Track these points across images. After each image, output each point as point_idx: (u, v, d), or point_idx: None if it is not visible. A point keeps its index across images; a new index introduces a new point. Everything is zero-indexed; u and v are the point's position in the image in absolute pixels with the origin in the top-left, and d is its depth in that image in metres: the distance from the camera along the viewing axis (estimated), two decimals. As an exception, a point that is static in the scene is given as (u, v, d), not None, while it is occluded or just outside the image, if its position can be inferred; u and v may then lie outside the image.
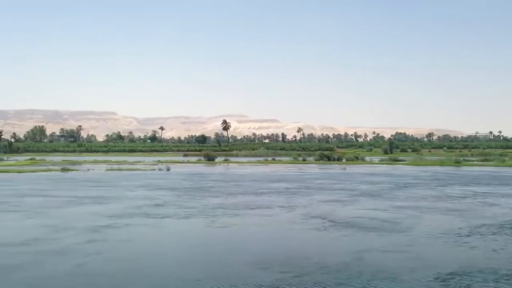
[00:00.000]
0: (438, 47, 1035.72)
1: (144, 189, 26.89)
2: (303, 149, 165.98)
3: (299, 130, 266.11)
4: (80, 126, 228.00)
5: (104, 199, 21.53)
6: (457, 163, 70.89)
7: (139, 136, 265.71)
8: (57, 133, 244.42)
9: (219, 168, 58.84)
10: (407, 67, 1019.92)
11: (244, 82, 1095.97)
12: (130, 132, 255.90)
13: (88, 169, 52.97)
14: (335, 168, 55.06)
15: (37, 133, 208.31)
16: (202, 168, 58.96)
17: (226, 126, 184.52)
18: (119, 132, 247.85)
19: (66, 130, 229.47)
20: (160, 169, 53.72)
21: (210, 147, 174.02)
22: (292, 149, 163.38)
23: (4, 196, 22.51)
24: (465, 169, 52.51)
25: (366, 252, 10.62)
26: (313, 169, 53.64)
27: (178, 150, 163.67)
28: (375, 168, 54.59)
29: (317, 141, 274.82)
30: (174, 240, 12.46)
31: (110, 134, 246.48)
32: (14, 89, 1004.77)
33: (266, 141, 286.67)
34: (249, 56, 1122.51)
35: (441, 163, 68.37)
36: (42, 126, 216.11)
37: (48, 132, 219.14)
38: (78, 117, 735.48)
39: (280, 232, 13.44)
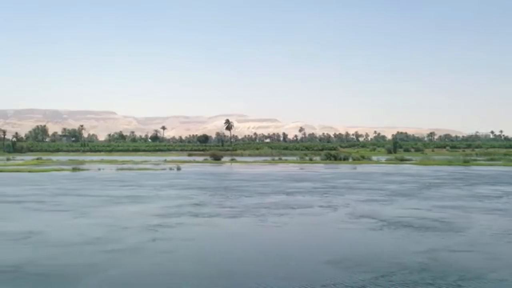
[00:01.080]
0: (438, 47, 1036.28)
1: (172, 188, 26.92)
2: (307, 148, 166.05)
3: (301, 129, 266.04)
4: (82, 126, 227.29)
5: (139, 198, 21.56)
6: (466, 162, 70.95)
7: (140, 136, 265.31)
8: (57, 132, 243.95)
9: (230, 167, 58.80)
10: (407, 67, 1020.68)
11: (243, 82, 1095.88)
12: (132, 132, 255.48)
13: (99, 169, 52.96)
14: (344, 168, 55.06)
15: (39, 132, 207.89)
16: (212, 167, 58.97)
17: (229, 125, 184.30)
18: (120, 132, 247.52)
19: (68, 130, 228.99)
20: (171, 169, 53.75)
21: (213, 147, 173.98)
22: (296, 149, 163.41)
23: (38, 196, 22.52)
24: (477, 169, 52.60)
25: (436, 252, 10.68)
26: (323, 168, 53.61)
27: (181, 150, 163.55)
28: (386, 168, 54.63)
29: (318, 140, 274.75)
30: (238, 239, 12.48)
31: (112, 133, 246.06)
32: (14, 89, 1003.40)
33: (267, 140, 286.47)
34: (249, 55, 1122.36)
35: (449, 163, 68.47)
36: (44, 126, 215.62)
37: (39, 131, 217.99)
38: (78, 116, 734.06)
39: (337, 232, 13.50)
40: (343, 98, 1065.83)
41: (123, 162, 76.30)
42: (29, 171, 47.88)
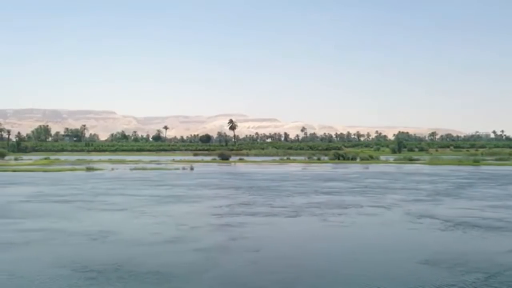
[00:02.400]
0: (438, 47, 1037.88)
1: (205, 188, 26.93)
2: (311, 148, 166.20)
3: (303, 129, 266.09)
4: (84, 126, 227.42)
5: (182, 198, 21.58)
6: (476, 162, 71.06)
7: (142, 136, 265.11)
8: (58, 132, 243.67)
9: (242, 167, 58.58)
10: (406, 67, 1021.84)
11: (243, 82, 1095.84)
12: (134, 132, 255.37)
13: (112, 169, 52.92)
14: (356, 168, 55.06)
15: (42, 132, 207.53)
16: (224, 167, 58.97)
17: (232, 125, 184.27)
18: (123, 132, 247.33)
19: (71, 130, 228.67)
20: (184, 168, 53.79)
21: (217, 147, 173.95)
22: (300, 149, 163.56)
23: (79, 195, 22.51)
24: (491, 168, 52.78)
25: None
26: (337, 168, 53.61)
27: (186, 150, 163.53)
28: (399, 168, 54.65)
29: (319, 140, 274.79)
30: (318, 239, 12.52)
31: (114, 133, 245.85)
32: (13, 88, 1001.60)
33: (269, 140, 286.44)
34: (249, 55, 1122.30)
35: (460, 163, 68.61)
36: (47, 126, 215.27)
37: (41, 131, 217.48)
38: (77, 116, 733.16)
39: (410, 232, 13.51)
40: (343, 98, 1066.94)
41: (133, 162, 76.33)
42: (44, 171, 47.86)
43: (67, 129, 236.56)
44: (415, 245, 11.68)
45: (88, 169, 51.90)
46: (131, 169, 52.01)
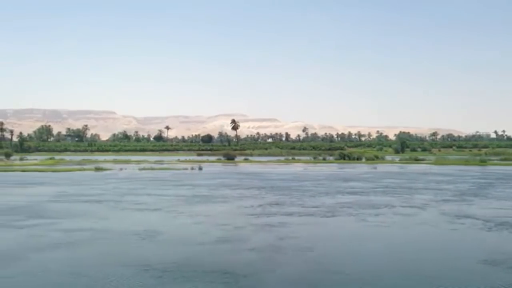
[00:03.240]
0: (438, 47, 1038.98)
1: (227, 188, 26.92)
2: (314, 148, 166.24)
3: (304, 129, 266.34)
4: (86, 126, 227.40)
5: (210, 198, 21.58)
6: (483, 162, 71.05)
7: (143, 136, 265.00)
8: (60, 132, 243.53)
9: (252, 167, 58.39)
10: (406, 67, 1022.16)
11: (243, 81, 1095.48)
12: (136, 132, 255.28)
13: (121, 169, 52.87)
14: (363, 167, 55.00)
15: (44, 132, 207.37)
16: (233, 167, 58.90)
17: (235, 125, 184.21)
18: (124, 132, 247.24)
19: (72, 130, 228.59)
20: (192, 168, 53.74)
21: (220, 147, 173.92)
22: (303, 149, 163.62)
23: (105, 195, 22.50)
24: (500, 168, 52.88)
25: None
26: (344, 168, 53.53)
27: (189, 150, 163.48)
28: (407, 168, 54.61)
29: (320, 140, 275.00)
30: (367, 239, 12.54)
31: (116, 133, 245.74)
32: (13, 88, 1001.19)
33: (270, 140, 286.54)
34: (248, 55, 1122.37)
35: (466, 163, 68.64)
36: (49, 126, 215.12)
37: (43, 131, 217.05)
38: (77, 116, 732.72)
39: (454, 232, 13.55)
40: (343, 97, 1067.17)
41: (138, 162, 76.30)
42: (53, 171, 47.82)
43: (68, 129, 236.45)
44: (467, 245, 11.71)
45: (97, 169, 51.86)
46: (140, 169, 51.98)
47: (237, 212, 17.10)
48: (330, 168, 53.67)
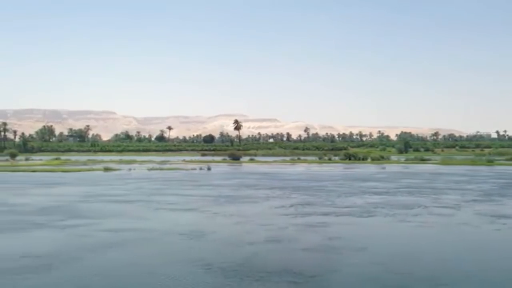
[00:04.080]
0: (438, 47, 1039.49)
1: (250, 188, 26.92)
2: (317, 148, 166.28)
3: (305, 129, 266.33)
4: (88, 126, 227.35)
5: (237, 198, 21.61)
6: (489, 162, 71.07)
7: (144, 136, 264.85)
8: (64, 132, 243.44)
9: (261, 167, 58.22)
10: (406, 67, 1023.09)
11: (243, 82, 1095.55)
12: (138, 132, 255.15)
13: (130, 169, 52.87)
14: (371, 168, 54.91)
15: (46, 132, 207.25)
16: (242, 167, 58.85)
17: (237, 125, 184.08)
18: (126, 132, 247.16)
19: (74, 130, 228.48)
20: (201, 169, 53.72)
21: (223, 147, 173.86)
22: (307, 149, 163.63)
23: (132, 195, 22.51)
24: (509, 169, 52.80)
25: None
26: (352, 168, 53.50)
27: (192, 150, 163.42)
28: (414, 168, 54.60)
29: (322, 140, 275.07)
30: (410, 238, 12.64)
31: (118, 134, 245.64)
32: (13, 89, 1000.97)
33: (271, 140, 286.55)
34: (248, 55, 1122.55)
35: (473, 163, 68.68)
36: (51, 126, 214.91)
37: (46, 131, 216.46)
38: (77, 116, 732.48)
39: (501, 232, 13.53)
40: (343, 98, 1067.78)
41: (144, 162, 76.30)
42: (63, 171, 47.87)
43: (70, 129, 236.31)
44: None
45: (106, 169, 51.90)
46: (149, 169, 52.00)
47: (272, 212, 17.09)
48: (338, 168, 53.71)
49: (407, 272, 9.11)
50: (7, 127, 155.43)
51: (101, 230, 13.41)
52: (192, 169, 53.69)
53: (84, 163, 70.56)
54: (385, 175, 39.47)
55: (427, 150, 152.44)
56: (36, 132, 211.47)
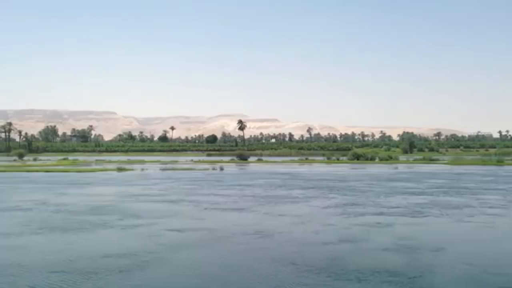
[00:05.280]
0: (438, 46, 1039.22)
1: (280, 188, 26.86)
2: (322, 148, 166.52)
3: (308, 129, 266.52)
4: (91, 126, 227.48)
5: (275, 198, 21.56)
6: (500, 162, 71.06)
7: (146, 136, 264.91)
8: (67, 133, 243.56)
9: (270, 167, 57.95)
10: (406, 67, 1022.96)
11: (243, 82, 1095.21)
12: (141, 132, 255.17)
13: (142, 169, 53.01)
14: (384, 168, 54.77)
15: (49, 133, 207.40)
16: (253, 167, 58.75)
17: (242, 126, 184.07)
18: (129, 132, 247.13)
19: (78, 130, 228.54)
20: (213, 169, 53.73)
21: (227, 147, 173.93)
22: (310, 149, 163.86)
23: (169, 195, 22.49)
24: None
25: None
26: (363, 168, 53.32)
27: (197, 150, 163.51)
28: (426, 168, 54.54)
29: (324, 140, 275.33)
30: (487, 238, 12.57)
31: (121, 134, 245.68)
32: (14, 89, 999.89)
33: (273, 140, 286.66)
34: (249, 56, 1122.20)
35: (483, 162, 68.71)
36: (54, 126, 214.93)
37: (49, 132, 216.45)
38: (78, 116, 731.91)
39: None
40: (343, 98, 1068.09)
41: (152, 162, 76.37)
42: (78, 171, 47.98)
43: (74, 129, 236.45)
44: None
45: (120, 169, 51.99)
46: (162, 169, 52.08)
47: (323, 212, 17.05)
48: (351, 168, 53.67)
49: (504, 272, 9.07)
50: (12, 127, 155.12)
51: (166, 229, 13.37)
52: (204, 169, 53.72)
53: (94, 163, 70.60)
54: (406, 175, 39.45)
55: (431, 150, 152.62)
56: (40, 132, 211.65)
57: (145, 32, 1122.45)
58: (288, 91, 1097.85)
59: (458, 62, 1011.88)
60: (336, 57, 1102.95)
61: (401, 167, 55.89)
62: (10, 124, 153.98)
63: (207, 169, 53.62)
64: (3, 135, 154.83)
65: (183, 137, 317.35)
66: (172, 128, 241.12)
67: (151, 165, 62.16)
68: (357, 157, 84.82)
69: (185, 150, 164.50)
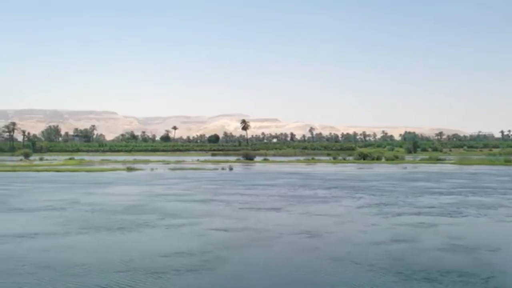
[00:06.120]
0: (438, 47, 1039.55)
1: (303, 188, 26.84)
2: (325, 148, 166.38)
3: (310, 129, 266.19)
4: (93, 126, 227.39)
5: (302, 198, 21.53)
6: (507, 162, 71.00)
7: (148, 136, 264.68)
8: (69, 132, 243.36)
9: (279, 167, 57.72)
10: (406, 67, 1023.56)
11: (244, 82, 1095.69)
12: (143, 132, 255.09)
13: (152, 169, 52.96)
14: (393, 168, 54.65)
15: (52, 132, 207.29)
16: (260, 167, 58.54)
17: (245, 125, 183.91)
18: (132, 132, 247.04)
19: (80, 130, 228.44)
20: (223, 169, 53.67)
21: (231, 147, 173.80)
22: (314, 149, 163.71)
23: (199, 195, 22.41)
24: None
25: None
26: (375, 168, 53.23)
27: (200, 150, 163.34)
28: (435, 167, 54.46)
29: (326, 140, 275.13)
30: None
31: (124, 134, 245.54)
32: (14, 89, 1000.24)
33: (274, 140, 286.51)
34: (249, 55, 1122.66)
35: (491, 162, 68.67)
36: (57, 126, 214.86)
37: (52, 131, 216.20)
38: (78, 116, 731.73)
39: None
40: (343, 97, 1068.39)
41: (158, 162, 76.23)
42: (87, 171, 47.93)
43: (76, 129, 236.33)
44: None
45: (129, 169, 51.97)
46: (171, 169, 52.01)
47: (360, 212, 16.99)
48: (358, 168, 53.71)
49: None
50: (16, 127, 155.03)
51: (211, 229, 13.33)
52: (214, 169, 53.67)
53: (99, 163, 70.50)
54: (420, 175, 39.36)
55: (435, 150, 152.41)
56: (42, 132, 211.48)
57: (145, 32, 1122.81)
58: (288, 91, 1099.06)
59: (458, 62, 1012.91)
60: (336, 57, 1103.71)
61: (409, 167, 55.85)
62: (14, 124, 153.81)
63: (216, 169, 53.59)
64: (5, 135, 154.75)
65: (184, 137, 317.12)
66: (175, 128, 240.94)
67: (159, 165, 62.16)
68: (363, 157, 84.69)
69: (189, 150, 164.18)
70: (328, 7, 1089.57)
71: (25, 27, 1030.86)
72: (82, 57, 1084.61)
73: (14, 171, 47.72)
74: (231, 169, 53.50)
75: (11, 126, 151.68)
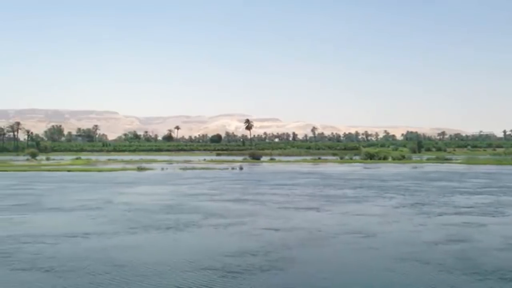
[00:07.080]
0: (438, 46, 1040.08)
1: (329, 188, 26.81)
2: (329, 148, 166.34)
3: (313, 129, 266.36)
4: (96, 126, 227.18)
5: (334, 198, 21.53)
6: (515, 162, 70.90)
7: (150, 136, 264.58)
8: (72, 132, 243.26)
9: (287, 167, 57.61)
10: (407, 67, 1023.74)
11: (244, 81, 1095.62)
12: (146, 132, 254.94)
13: (162, 168, 53.01)
14: (403, 167, 54.59)
15: (55, 132, 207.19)
16: (270, 167, 58.44)
17: (248, 125, 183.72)
18: (134, 132, 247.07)
19: (83, 130, 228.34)
20: (233, 168, 53.62)
21: (234, 146, 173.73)
22: (318, 148, 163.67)
23: (222, 195, 22.37)
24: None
25: None
26: (383, 167, 53.15)
27: (205, 150, 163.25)
28: (444, 167, 54.39)
29: (327, 140, 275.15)
30: None
31: (126, 133, 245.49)
32: (15, 89, 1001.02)
33: (276, 140, 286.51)
34: (250, 55, 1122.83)
35: (499, 162, 68.60)
36: (60, 126, 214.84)
37: (55, 131, 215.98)
38: (79, 116, 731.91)
39: None
40: (344, 97, 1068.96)
41: (165, 162, 76.07)
42: (99, 171, 47.92)
43: (79, 129, 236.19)
44: None
45: (140, 169, 51.90)
46: (182, 169, 51.93)
47: (399, 212, 16.94)
48: (366, 167, 53.65)
49: None
50: (21, 127, 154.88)
51: (260, 229, 13.30)
52: (224, 168, 53.64)
53: (105, 163, 70.42)
54: (437, 175, 39.25)
55: (439, 150, 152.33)
56: (45, 132, 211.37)
57: (146, 32, 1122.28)
58: (289, 91, 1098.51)
59: (458, 62, 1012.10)
60: (336, 57, 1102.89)
61: (418, 167, 55.79)
62: (18, 124, 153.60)
63: (227, 168, 53.54)
64: (9, 134, 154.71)
65: (185, 137, 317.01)
66: (177, 128, 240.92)
67: (167, 165, 61.96)
68: (370, 157, 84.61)
69: (193, 150, 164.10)
70: (328, 7, 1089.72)
71: (26, 26, 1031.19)
72: (83, 57, 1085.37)
73: (27, 170, 47.69)
74: (241, 168, 53.56)
75: (15, 126, 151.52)
